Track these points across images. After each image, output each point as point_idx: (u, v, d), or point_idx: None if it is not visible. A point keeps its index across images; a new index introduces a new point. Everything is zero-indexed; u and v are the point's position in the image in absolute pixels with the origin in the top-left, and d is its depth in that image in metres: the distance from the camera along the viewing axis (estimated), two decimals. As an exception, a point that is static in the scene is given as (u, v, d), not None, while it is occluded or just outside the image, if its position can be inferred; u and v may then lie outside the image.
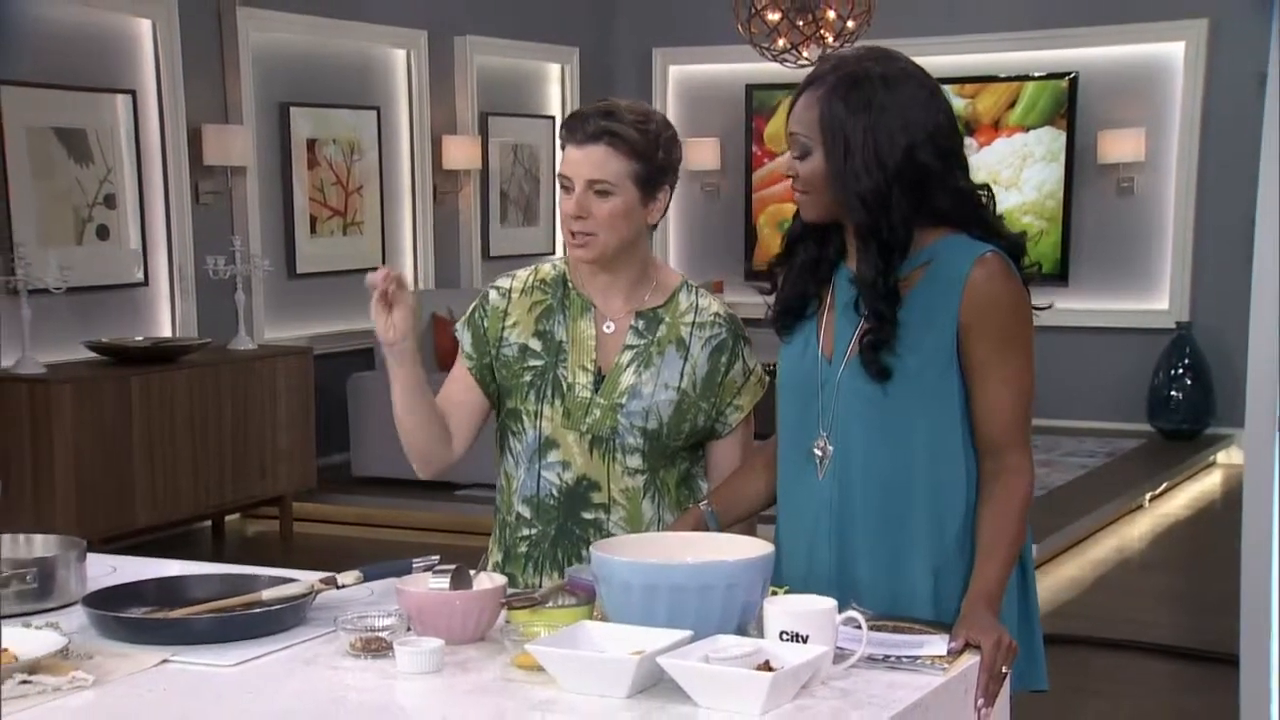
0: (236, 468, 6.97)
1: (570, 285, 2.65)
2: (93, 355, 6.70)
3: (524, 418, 2.62)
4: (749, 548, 2.18)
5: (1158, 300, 9.16)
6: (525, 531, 2.64)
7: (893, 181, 2.27)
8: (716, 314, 2.65)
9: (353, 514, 7.46)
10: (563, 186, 2.57)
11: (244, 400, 6.98)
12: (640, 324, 2.62)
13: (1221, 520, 7.66)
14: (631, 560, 2.13)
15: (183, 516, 6.88)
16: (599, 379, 2.60)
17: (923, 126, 2.29)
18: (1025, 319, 2.31)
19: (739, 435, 2.67)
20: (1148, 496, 7.96)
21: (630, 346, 2.61)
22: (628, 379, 2.59)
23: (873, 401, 2.31)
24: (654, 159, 2.54)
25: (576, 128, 2.54)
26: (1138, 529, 7.51)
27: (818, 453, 2.37)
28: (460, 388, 2.69)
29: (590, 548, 2.20)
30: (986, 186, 2.38)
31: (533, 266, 2.72)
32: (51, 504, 6.13)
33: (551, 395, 2.60)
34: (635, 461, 2.59)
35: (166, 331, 7.34)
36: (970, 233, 2.32)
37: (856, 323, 2.34)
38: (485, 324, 2.66)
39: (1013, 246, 2.33)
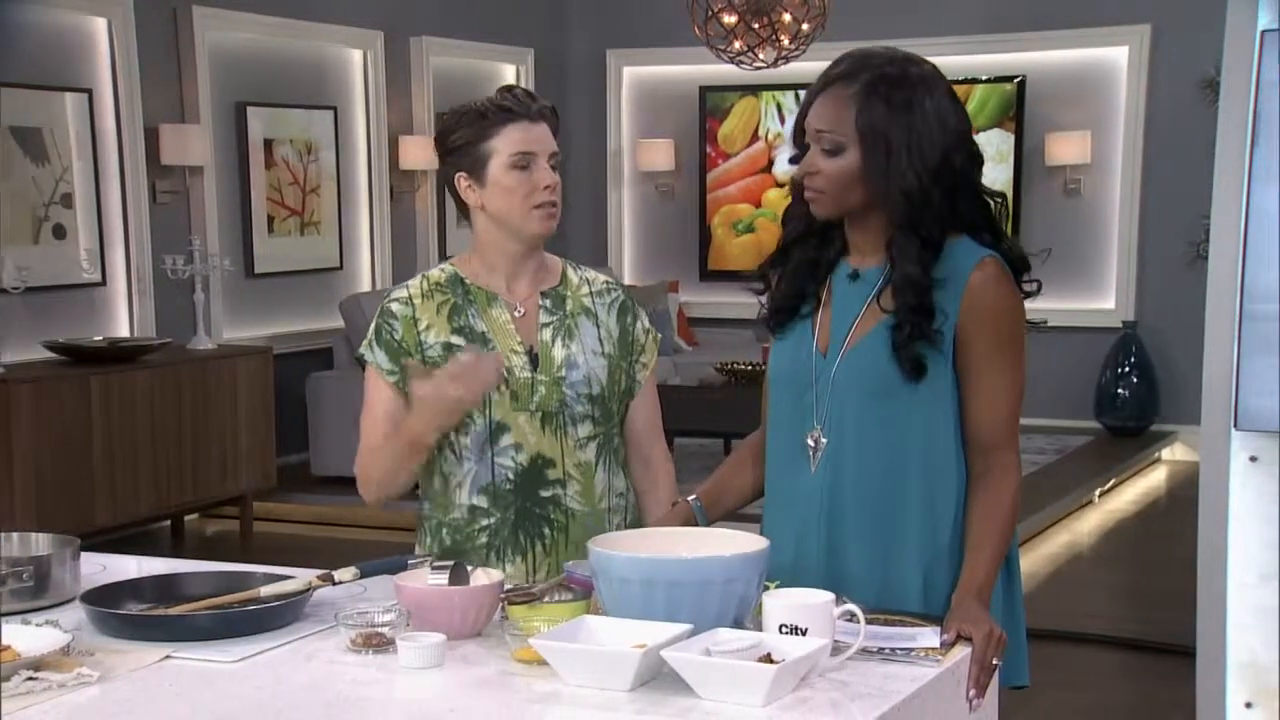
0: (196, 467, 6.93)
1: (467, 282, 2.70)
2: (51, 355, 6.64)
3: (471, 410, 2.63)
4: (745, 543, 2.19)
5: (1104, 300, 9.26)
6: (483, 522, 2.66)
7: (933, 183, 2.29)
8: (607, 281, 2.79)
9: (312, 513, 7.43)
10: (520, 166, 2.60)
11: (203, 400, 6.94)
12: (547, 303, 2.71)
13: (1167, 516, 7.77)
14: (630, 555, 2.14)
15: (142, 516, 6.84)
16: (533, 358, 2.66)
17: (956, 131, 2.31)
18: (1019, 323, 2.35)
19: (649, 393, 2.78)
20: (1097, 492, 8.04)
21: (547, 324, 2.69)
22: (559, 352, 2.67)
23: (869, 396, 2.34)
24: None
25: (525, 105, 2.62)
26: (1088, 524, 7.58)
27: (811, 444, 2.39)
28: (392, 407, 2.67)
29: (588, 543, 2.21)
30: (1002, 195, 2.41)
31: (419, 275, 2.74)
32: (10, 503, 6.07)
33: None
34: (586, 430, 2.66)
35: (124, 331, 7.28)
36: (980, 238, 2.35)
37: (854, 318, 2.37)
38: (397, 336, 2.67)
39: (1018, 259, 2.37)
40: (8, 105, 6.73)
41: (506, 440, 2.64)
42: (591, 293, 2.74)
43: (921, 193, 2.28)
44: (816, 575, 2.33)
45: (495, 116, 2.60)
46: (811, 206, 2.37)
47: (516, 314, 2.68)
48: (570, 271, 2.76)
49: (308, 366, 8.02)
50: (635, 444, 2.77)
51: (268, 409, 7.29)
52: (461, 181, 2.65)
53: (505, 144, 2.60)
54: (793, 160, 2.41)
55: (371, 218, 8.85)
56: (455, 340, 2.66)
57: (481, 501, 2.66)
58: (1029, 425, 8.85)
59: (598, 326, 2.71)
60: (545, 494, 2.65)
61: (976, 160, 2.35)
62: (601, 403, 2.68)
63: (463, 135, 2.62)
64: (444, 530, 2.69)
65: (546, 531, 2.65)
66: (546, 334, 2.68)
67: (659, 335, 2.81)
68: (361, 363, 2.74)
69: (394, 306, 2.70)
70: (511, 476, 2.64)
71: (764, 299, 2.49)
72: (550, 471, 2.65)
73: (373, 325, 2.72)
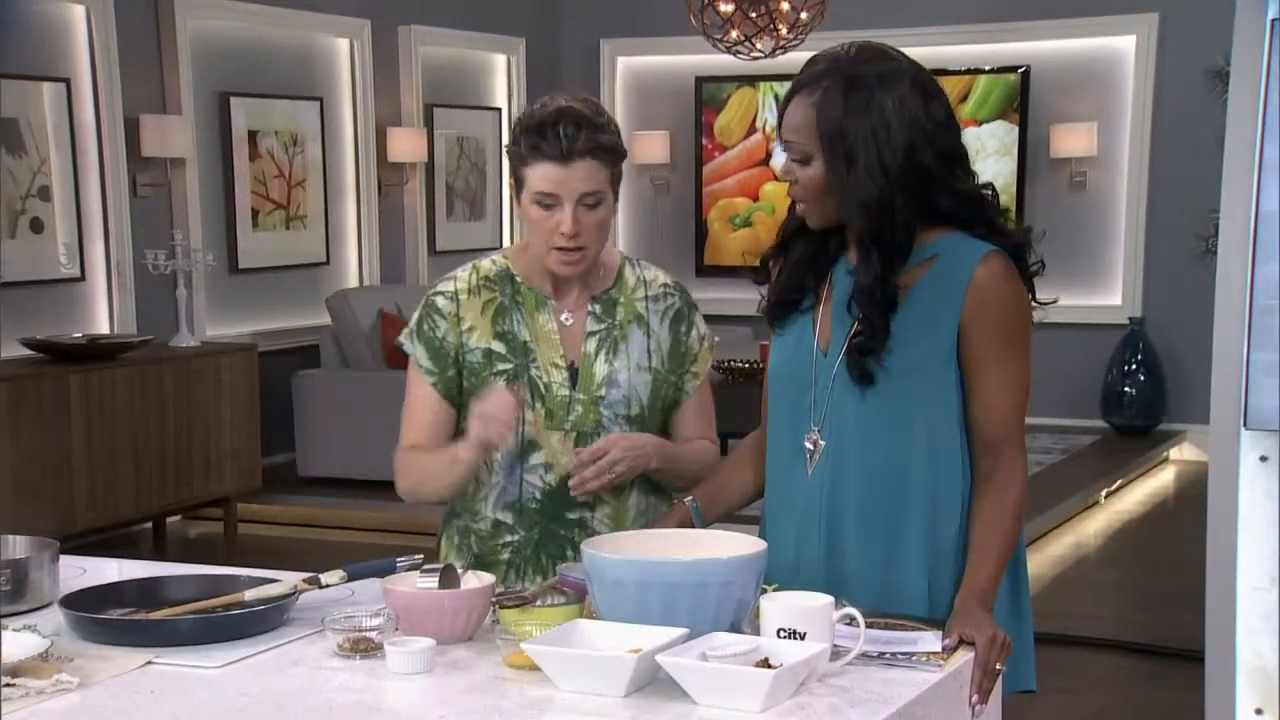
0: (179, 468, 6.88)
1: (518, 280, 2.60)
2: (29, 353, 6.57)
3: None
4: (742, 545, 2.16)
5: (1111, 296, 9.20)
6: (506, 538, 2.59)
7: (895, 187, 2.25)
8: (665, 284, 2.66)
9: (298, 515, 7.40)
10: (543, 205, 2.48)
11: (186, 399, 6.89)
12: (597, 309, 2.60)
13: (1175, 517, 7.78)
14: (624, 557, 2.11)
15: (123, 518, 6.78)
16: (573, 374, 2.56)
17: (921, 126, 2.26)
18: (1025, 319, 2.33)
19: (697, 402, 2.65)
20: (1104, 493, 7.99)
21: (593, 333, 2.58)
22: (601, 369, 2.57)
23: (869, 396, 2.31)
24: (622, 157, 2.53)
25: (556, 144, 2.45)
26: (1094, 525, 7.54)
27: (809, 446, 2.37)
28: (432, 408, 2.59)
29: (581, 545, 2.17)
30: (990, 186, 2.37)
31: (469, 265, 2.64)
32: (-14, 506, 6.02)
33: (531, 398, 2.54)
34: None
35: (104, 328, 7.22)
36: (973, 232, 2.31)
37: (854, 315, 2.33)
38: (440, 334, 2.58)
39: (1016, 246, 2.33)
40: (-17, 95, 6.64)
41: (537, 459, 2.56)
42: (647, 296, 2.62)
43: (881, 203, 2.25)
44: (817, 577, 2.32)
45: (527, 149, 2.48)
46: (802, 215, 2.37)
47: (564, 320, 2.58)
48: (628, 270, 2.64)
49: (293, 364, 8.00)
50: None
51: (252, 408, 7.24)
52: (514, 185, 2.57)
53: (534, 179, 2.48)
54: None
55: (359, 212, 8.79)
56: (497, 347, 2.57)
57: (506, 517, 2.59)
58: (1034, 424, 8.75)
59: (648, 337, 2.60)
60: (572, 516, 2.57)
61: (953, 155, 2.31)
62: (640, 423, 2.58)
63: (511, 148, 2.53)
64: (471, 537, 2.63)
65: (570, 554, 2.55)
66: (591, 345, 2.58)
67: (715, 340, 2.70)
68: (401, 351, 2.65)
69: (439, 301, 2.60)
70: (539, 496, 2.57)
71: (764, 290, 2.46)
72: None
73: (415, 315, 2.62)
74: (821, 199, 2.30)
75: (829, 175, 2.27)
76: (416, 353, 2.59)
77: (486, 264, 2.63)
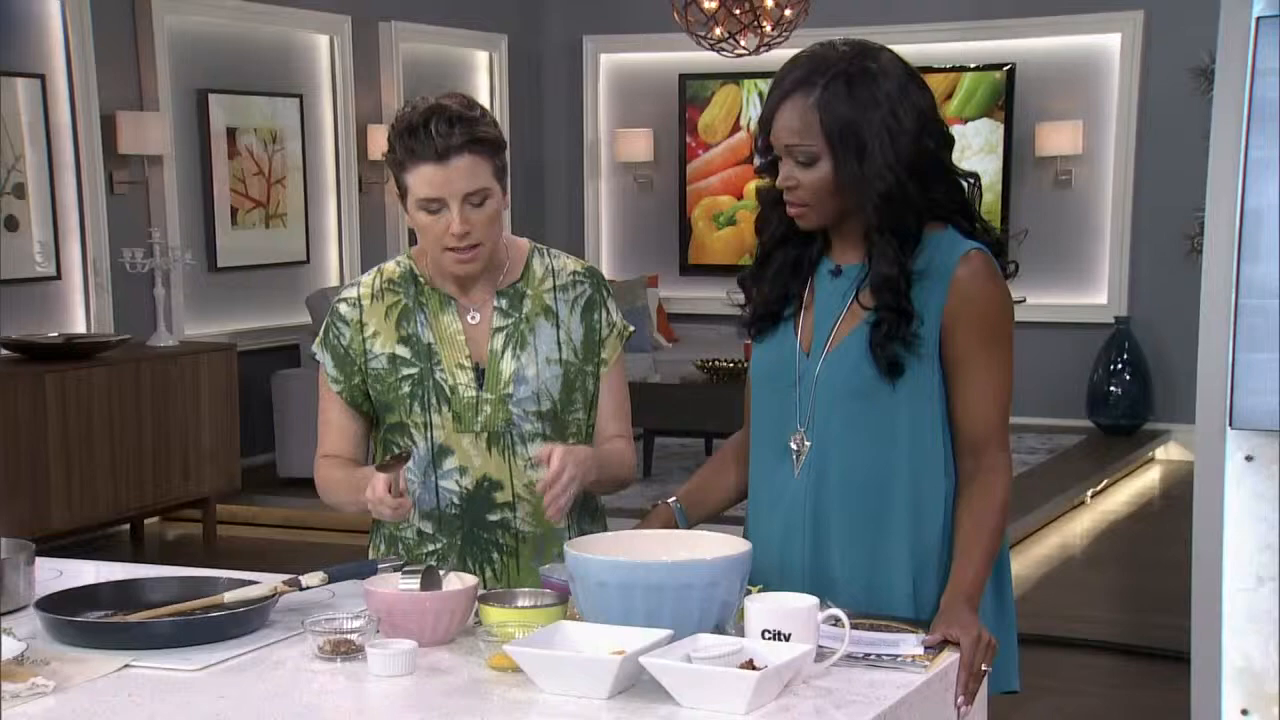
0: (157, 469, 6.82)
1: (422, 281, 2.57)
2: (4, 352, 6.53)
3: (412, 431, 2.53)
4: (727, 546, 2.17)
5: (1096, 295, 9.18)
6: (430, 547, 2.56)
7: (908, 174, 2.26)
8: (575, 272, 2.61)
9: (278, 516, 7.37)
10: (428, 210, 2.42)
11: (164, 399, 6.83)
12: (504, 303, 2.56)
13: (1161, 517, 7.77)
14: (608, 558, 2.10)
15: (100, 520, 6.74)
16: (479, 373, 2.53)
17: (923, 113, 2.28)
18: (1008, 317, 2.33)
19: (609, 395, 2.60)
20: (1089, 493, 7.97)
21: (500, 329, 2.54)
22: (508, 365, 2.53)
23: (853, 396, 2.31)
24: (503, 147, 2.48)
25: (429, 145, 2.39)
26: (1080, 526, 7.53)
27: (794, 447, 2.36)
28: (341, 415, 2.59)
29: (564, 546, 2.16)
30: (975, 174, 2.38)
31: (375, 268, 2.61)
32: (-40, 507, 5.95)
33: (437, 402, 2.52)
34: (537, 448, 2.51)
35: (81, 327, 7.17)
36: (958, 224, 2.32)
37: (836, 316, 2.34)
38: (344, 341, 2.56)
39: (995, 243, 2.35)
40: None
41: (450, 463, 2.53)
42: (555, 286, 2.58)
43: (900, 188, 2.27)
44: (802, 579, 2.33)
45: (404, 153, 2.41)
46: (798, 221, 2.34)
47: (471, 320, 2.55)
48: (536, 260, 2.60)
49: (273, 364, 7.94)
50: (597, 442, 2.63)
51: (231, 408, 7.19)
52: (395, 192, 2.53)
53: (415, 184, 2.42)
54: (759, 171, 2.40)
55: (339, 210, 8.74)
56: (400, 352, 2.53)
57: (427, 526, 2.56)
58: (1019, 424, 8.81)
59: (557, 328, 2.56)
60: (493, 518, 2.54)
61: (947, 140, 2.34)
62: (553, 418, 2.55)
63: (389, 156, 2.46)
64: (398, 544, 2.60)
65: (495, 556, 2.55)
66: (498, 341, 2.54)
67: (627, 327, 2.64)
68: (314, 360, 2.65)
69: (342, 308, 2.59)
70: (457, 500, 2.54)
71: (745, 309, 2.46)
72: (498, 494, 2.54)
73: (324, 323, 2.61)
74: (827, 199, 2.29)
75: (839, 172, 2.26)
76: (325, 361, 2.57)
77: (391, 266, 2.58)
